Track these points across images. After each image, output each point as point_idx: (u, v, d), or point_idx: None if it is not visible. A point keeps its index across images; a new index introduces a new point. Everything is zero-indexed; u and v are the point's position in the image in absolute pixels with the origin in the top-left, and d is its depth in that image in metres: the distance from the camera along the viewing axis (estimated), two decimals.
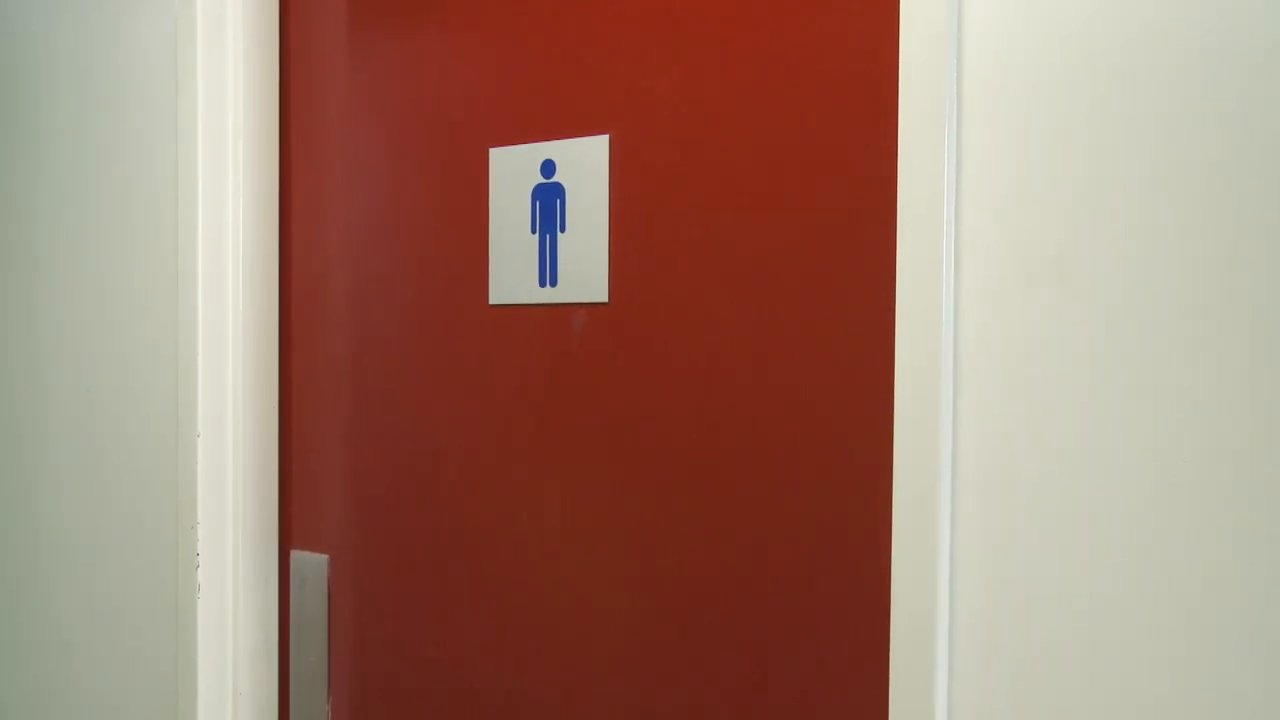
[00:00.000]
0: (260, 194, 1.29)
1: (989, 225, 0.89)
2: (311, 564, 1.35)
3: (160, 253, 1.26)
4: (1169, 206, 0.81)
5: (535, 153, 1.20)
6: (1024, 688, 0.88)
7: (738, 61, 1.06)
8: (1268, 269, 0.78)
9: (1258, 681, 0.79)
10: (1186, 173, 0.81)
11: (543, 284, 1.19)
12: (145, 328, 1.26)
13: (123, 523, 1.26)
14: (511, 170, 1.21)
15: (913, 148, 0.92)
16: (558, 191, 1.18)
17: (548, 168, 1.19)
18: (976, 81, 0.89)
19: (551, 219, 1.19)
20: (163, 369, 1.23)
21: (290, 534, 1.36)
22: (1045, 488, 0.86)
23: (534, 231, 1.20)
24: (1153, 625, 0.82)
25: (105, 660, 1.26)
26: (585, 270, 1.16)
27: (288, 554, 1.37)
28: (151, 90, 1.27)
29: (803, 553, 1.03)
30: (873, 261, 0.98)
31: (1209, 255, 0.80)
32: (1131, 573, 0.83)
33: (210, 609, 1.19)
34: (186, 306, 1.21)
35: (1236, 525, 0.79)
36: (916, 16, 0.91)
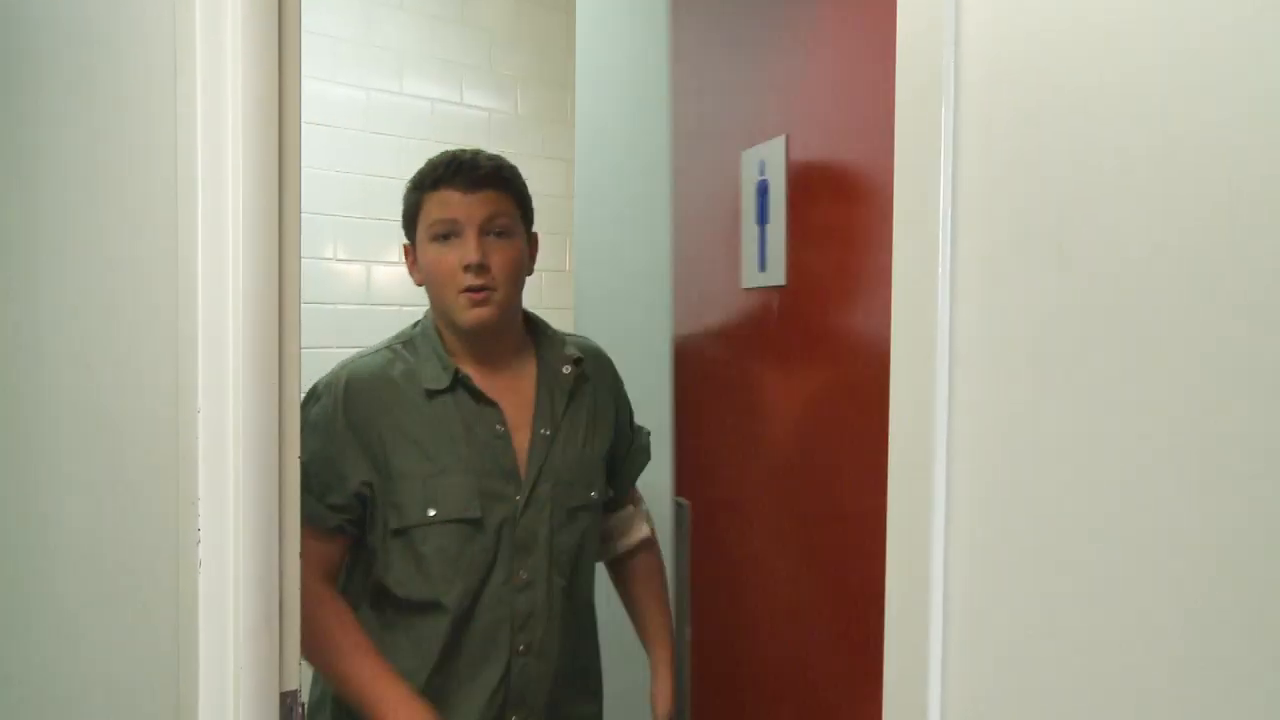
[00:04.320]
0: (260, 170, 1.23)
1: (986, 202, 0.88)
2: None
3: (160, 229, 1.22)
4: (1169, 184, 0.75)
5: (757, 153, 1.37)
6: (1017, 682, 0.87)
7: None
8: (1270, 248, 0.69)
9: (1256, 682, 0.72)
10: (1188, 151, 0.74)
11: (760, 269, 1.37)
12: (146, 305, 1.22)
13: (123, 498, 1.23)
14: (747, 169, 1.40)
15: (909, 124, 0.93)
16: (764, 187, 1.35)
17: (761, 166, 1.36)
18: (975, 55, 0.88)
19: (764, 212, 1.35)
20: (163, 345, 1.21)
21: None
22: (1040, 467, 0.85)
23: (756, 223, 1.38)
24: (1159, 630, 0.79)
25: (107, 636, 1.22)
26: (776, 257, 1.31)
27: None
28: (152, 69, 1.25)
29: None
30: None
31: (1215, 234, 0.73)
32: (1129, 563, 0.80)
33: (211, 582, 1.18)
34: (186, 286, 1.20)
35: (1237, 520, 0.73)
36: None
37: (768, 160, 1.34)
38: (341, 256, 2.78)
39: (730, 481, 1.54)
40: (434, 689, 1.47)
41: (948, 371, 0.90)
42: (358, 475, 1.45)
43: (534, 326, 1.64)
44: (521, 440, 1.52)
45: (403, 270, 2.83)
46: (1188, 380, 0.72)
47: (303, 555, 1.26)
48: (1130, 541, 0.76)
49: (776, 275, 1.32)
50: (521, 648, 1.51)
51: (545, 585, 1.52)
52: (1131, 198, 0.74)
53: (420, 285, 1.54)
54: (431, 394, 1.48)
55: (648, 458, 1.74)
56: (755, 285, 1.39)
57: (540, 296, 3.04)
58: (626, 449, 1.71)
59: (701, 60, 1.60)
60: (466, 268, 1.44)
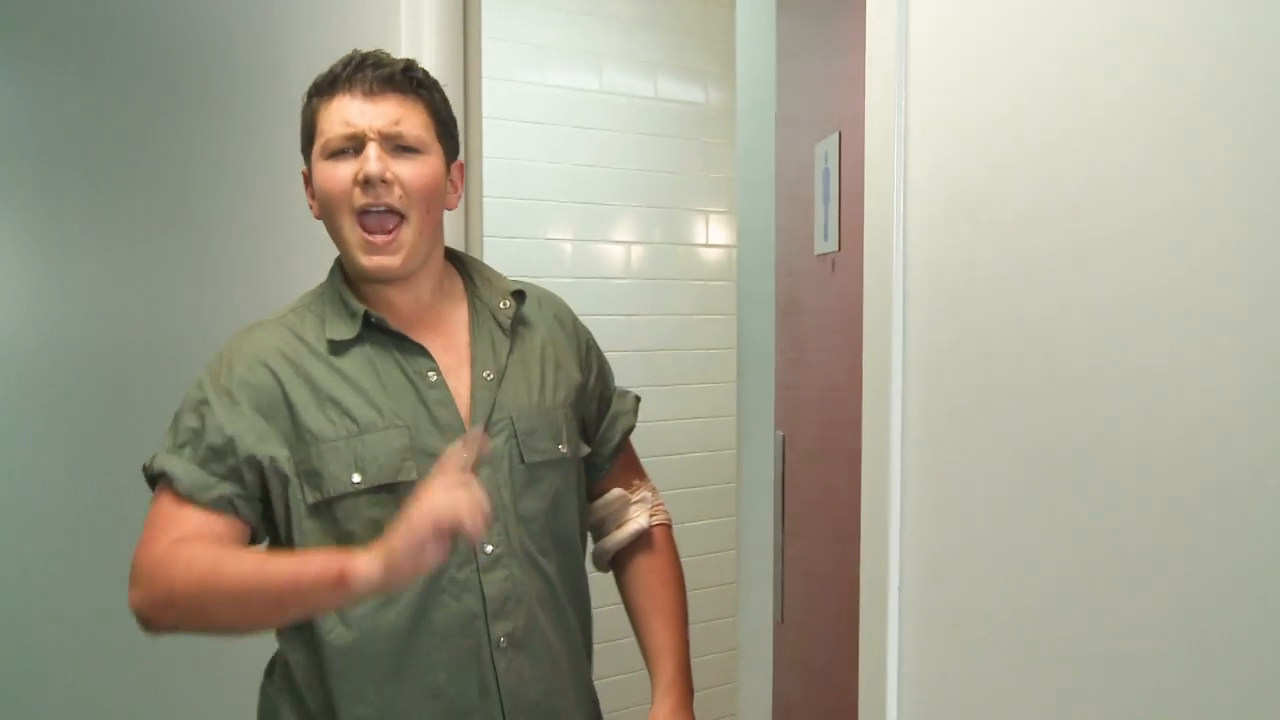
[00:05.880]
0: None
1: (925, 172, 1.20)
2: None
3: None
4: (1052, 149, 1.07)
5: (823, 145, 1.71)
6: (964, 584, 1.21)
7: None
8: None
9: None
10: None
11: (824, 239, 1.71)
12: None
13: None
14: (818, 159, 1.74)
15: (875, 108, 1.26)
16: (827, 174, 1.68)
17: (826, 156, 1.69)
18: (921, 65, 1.19)
19: (828, 192, 1.69)
20: None
21: None
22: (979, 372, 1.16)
23: (823, 202, 1.71)
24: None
25: None
26: (833, 229, 1.65)
27: None
28: None
29: None
30: None
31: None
32: (1000, 453, 1.08)
33: None
34: None
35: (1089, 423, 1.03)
36: (877, 19, 1.24)
37: (829, 152, 1.67)
38: (564, 236, 3.10)
39: (812, 414, 1.89)
40: (399, 712, 1.23)
41: (902, 293, 1.22)
42: (255, 444, 1.22)
43: (465, 265, 1.42)
44: (460, 387, 1.29)
45: (615, 249, 3.23)
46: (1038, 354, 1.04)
47: (170, 530, 1.19)
48: (999, 448, 1.10)
49: (832, 243, 1.65)
50: (502, 640, 1.26)
51: (521, 562, 1.28)
52: (1031, 161, 1.03)
53: (319, 219, 1.29)
54: (340, 346, 1.26)
55: (633, 423, 1.52)
56: (821, 251, 1.73)
57: (711, 270, 3.35)
58: (602, 411, 1.49)
59: (799, 58, 1.94)
60: (366, 181, 1.20)
